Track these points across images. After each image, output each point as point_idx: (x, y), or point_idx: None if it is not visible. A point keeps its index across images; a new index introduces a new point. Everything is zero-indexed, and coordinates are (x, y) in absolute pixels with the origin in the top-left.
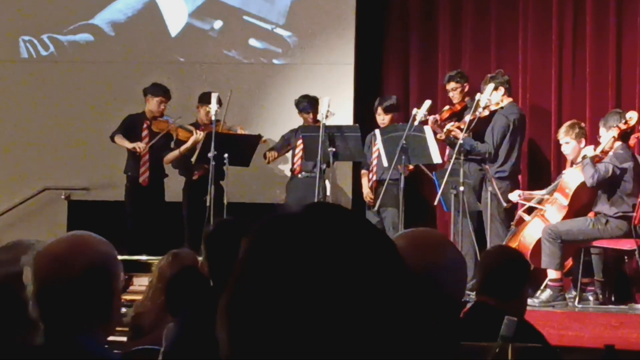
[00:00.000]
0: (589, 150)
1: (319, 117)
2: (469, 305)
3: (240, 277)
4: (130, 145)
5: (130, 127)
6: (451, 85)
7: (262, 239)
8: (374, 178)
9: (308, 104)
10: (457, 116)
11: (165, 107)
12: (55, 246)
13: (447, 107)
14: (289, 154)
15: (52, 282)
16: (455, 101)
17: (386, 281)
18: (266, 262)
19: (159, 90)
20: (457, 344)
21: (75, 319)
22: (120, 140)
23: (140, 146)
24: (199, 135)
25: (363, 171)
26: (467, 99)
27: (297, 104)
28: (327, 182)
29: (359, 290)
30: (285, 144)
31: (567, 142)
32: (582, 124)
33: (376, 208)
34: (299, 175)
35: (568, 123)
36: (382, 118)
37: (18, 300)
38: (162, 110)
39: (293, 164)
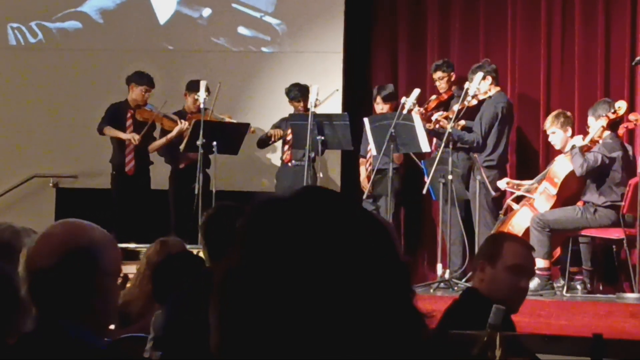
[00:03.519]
0: (578, 140)
1: (308, 105)
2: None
3: (233, 261)
4: (125, 137)
5: (115, 116)
6: (438, 74)
7: (254, 224)
8: (370, 167)
9: (299, 92)
10: (444, 105)
11: (149, 95)
12: (48, 232)
13: (433, 96)
14: (278, 143)
15: (41, 268)
16: (441, 90)
17: (378, 264)
18: (259, 247)
19: (143, 79)
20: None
21: (62, 306)
22: (112, 131)
23: (136, 138)
24: (184, 125)
25: (361, 159)
26: (454, 88)
27: (288, 92)
28: (320, 173)
29: (352, 272)
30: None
31: (554, 132)
32: (568, 113)
33: (365, 196)
34: (289, 164)
35: (553, 113)
36: (382, 107)
37: (11, 286)
38: (146, 99)
39: (283, 152)
